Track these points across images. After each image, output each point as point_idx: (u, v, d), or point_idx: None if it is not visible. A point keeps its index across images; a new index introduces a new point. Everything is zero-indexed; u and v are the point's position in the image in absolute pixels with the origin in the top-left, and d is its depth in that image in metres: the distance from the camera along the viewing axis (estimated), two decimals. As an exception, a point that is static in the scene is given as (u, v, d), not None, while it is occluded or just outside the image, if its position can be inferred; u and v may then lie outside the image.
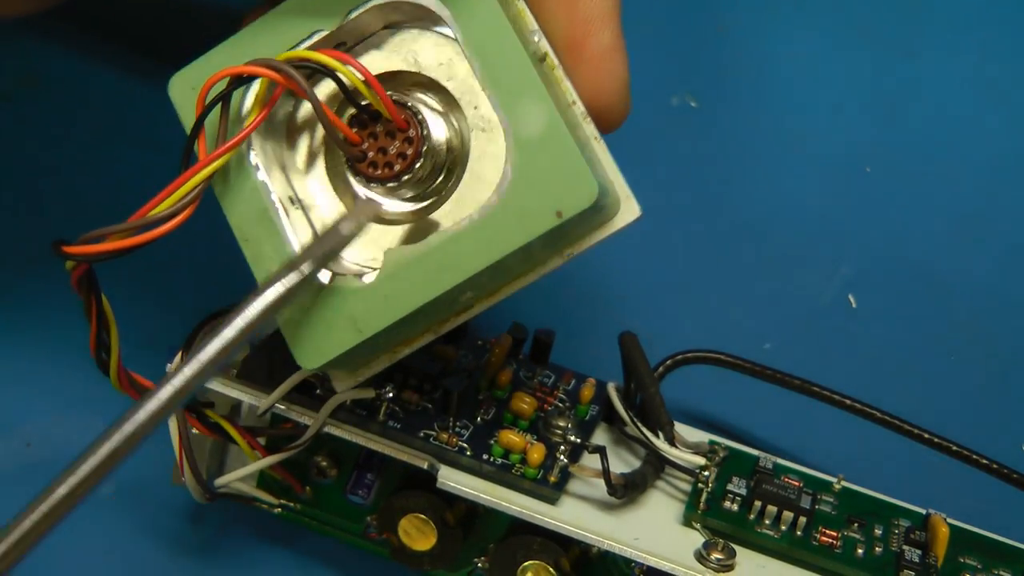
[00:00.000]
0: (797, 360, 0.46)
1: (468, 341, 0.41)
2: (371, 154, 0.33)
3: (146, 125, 0.47)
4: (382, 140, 0.32)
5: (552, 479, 0.37)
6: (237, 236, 0.33)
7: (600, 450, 0.36)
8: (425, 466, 0.37)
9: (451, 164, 0.33)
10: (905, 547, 0.37)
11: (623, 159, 0.49)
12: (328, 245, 0.32)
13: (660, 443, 0.38)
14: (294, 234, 0.33)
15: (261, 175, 0.33)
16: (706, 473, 0.38)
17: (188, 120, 0.33)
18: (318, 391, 0.37)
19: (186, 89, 0.33)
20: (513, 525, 0.37)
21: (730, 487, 0.37)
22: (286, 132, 0.34)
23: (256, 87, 0.32)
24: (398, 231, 0.34)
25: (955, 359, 0.48)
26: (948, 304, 0.48)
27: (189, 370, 0.30)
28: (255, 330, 0.31)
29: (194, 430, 0.38)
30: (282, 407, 0.37)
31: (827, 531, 0.37)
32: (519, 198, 0.31)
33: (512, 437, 0.37)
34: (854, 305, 0.48)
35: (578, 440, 0.37)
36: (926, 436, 0.42)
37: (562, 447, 0.37)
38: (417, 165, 0.32)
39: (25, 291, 0.47)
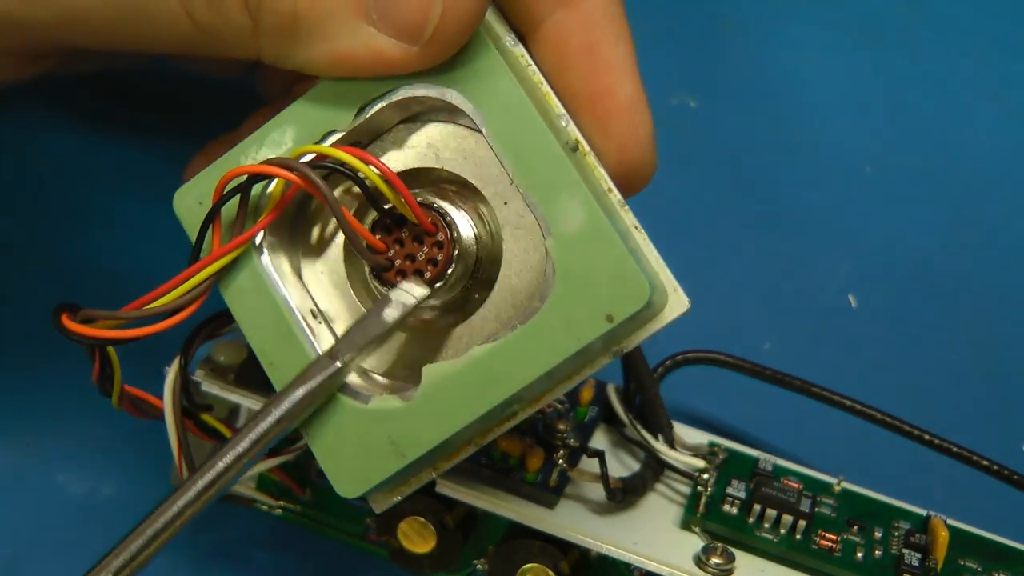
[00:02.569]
0: (797, 360, 0.46)
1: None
2: (398, 261, 0.30)
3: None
4: (409, 246, 0.30)
5: (551, 483, 0.36)
6: (261, 360, 0.31)
7: (599, 454, 0.36)
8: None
9: (482, 265, 0.31)
10: (905, 550, 0.37)
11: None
12: (370, 333, 0.30)
13: (659, 446, 0.38)
14: (320, 350, 0.30)
15: (279, 288, 0.31)
16: (705, 476, 0.38)
17: (194, 234, 0.31)
18: None
19: (192, 203, 0.31)
20: (512, 528, 0.37)
21: (729, 490, 0.37)
22: (301, 238, 0.32)
23: (271, 189, 0.30)
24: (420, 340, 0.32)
25: (955, 359, 0.48)
26: (948, 304, 0.48)
27: (222, 463, 0.29)
28: (288, 424, 0.30)
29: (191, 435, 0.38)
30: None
31: (827, 534, 0.37)
32: (565, 303, 0.28)
33: (511, 442, 0.37)
34: (854, 305, 0.48)
35: (577, 444, 0.37)
36: (926, 437, 0.42)
37: (561, 451, 0.37)
38: (449, 271, 0.30)
39: (24, 292, 0.47)
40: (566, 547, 0.37)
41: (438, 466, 0.31)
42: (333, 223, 0.32)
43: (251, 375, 0.38)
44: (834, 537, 0.37)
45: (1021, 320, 0.48)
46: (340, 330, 0.31)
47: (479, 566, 0.39)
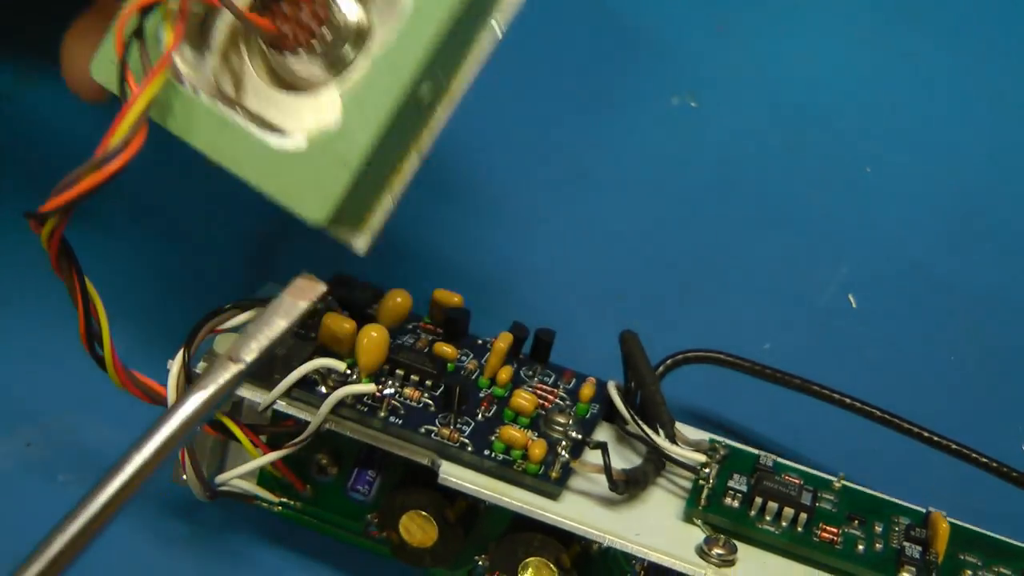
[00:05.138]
0: (797, 360, 0.46)
1: (468, 340, 0.41)
2: (287, 30, 0.33)
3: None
4: (291, 12, 0.33)
5: (553, 475, 0.36)
6: (231, 168, 0.33)
7: (602, 446, 0.36)
8: (427, 462, 0.37)
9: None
10: (906, 543, 0.37)
11: (623, 157, 0.49)
12: (269, 336, 0.33)
13: (661, 440, 0.38)
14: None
15: (204, 98, 0.33)
16: (707, 470, 0.38)
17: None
18: (320, 387, 0.37)
19: (107, 67, 0.33)
20: (514, 521, 0.37)
21: (731, 484, 0.37)
22: (206, 53, 0.35)
23: (162, 14, 0.33)
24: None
25: (955, 359, 0.48)
26: (948, 304, 0.48)
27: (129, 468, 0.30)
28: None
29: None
30: (283, 404, 0.37)
31: (827, 527, 0.37)
32: None
33: (513, 433, 0.37)
34: (854, 305, 0.48)
35: (579, 436, 0.37)
36: (925, 434, 0.42)
37: (563, 443, 0.37)
38: (334, 10, 0.33)
39: (24, 291, 0.47)
40: (568, 540, 0.37)
41: (392, 184, 0.34)
42: (222, 25, 0.35)
43: (256, 368, 0.38)
44: (835, 530, 0.37)
45: (1021, 320, 0.48)
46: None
47: (480, 561, 0.39)
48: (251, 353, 0.33)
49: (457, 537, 0.38)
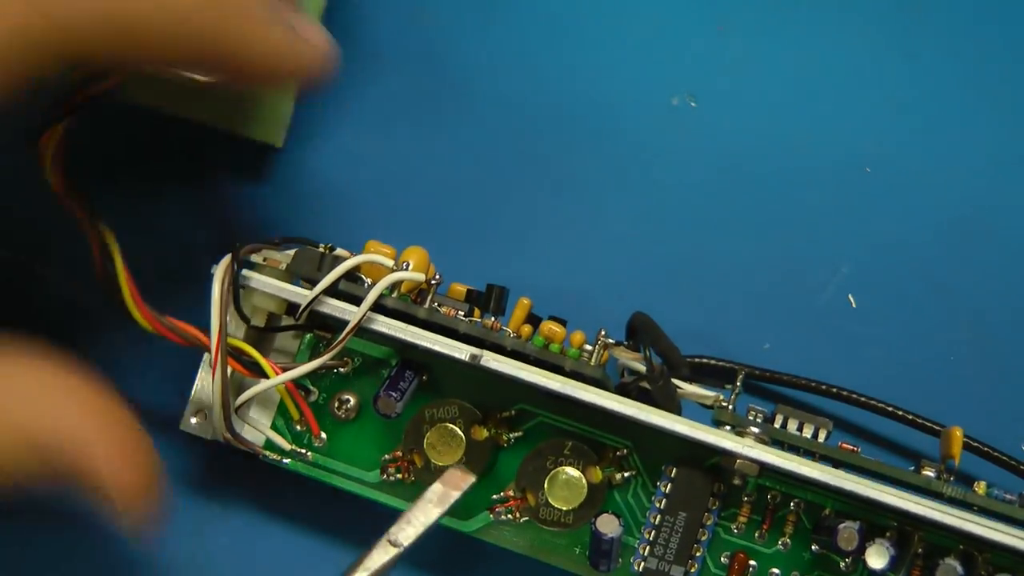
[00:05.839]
0: (797, 360, 0.46)
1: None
2: None
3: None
4: None
5: (593, 362, 0.38)
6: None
7: (639, 337, 0.38)
8: (466, 357, 0.37)
9: None
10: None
11: (623, 157, 0.49)
12: (424, 523, 0.38)
13: (678, 381, 0.41)
14: None
15: None
16: (725, 403, 0.40)
17: None
18: (366, 283, 0.39)
19: None
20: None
21: (751, 406, 0.40)
22: None
23: None
24: None
25: (955, 359, 0.48)
26: (948, 304, 0.48)
27: None
28: None
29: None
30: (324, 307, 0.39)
31: (848, 444, 0.40)
32: None
33: (553, 328, 0.38)
34: (854, 305, 0.48)
35: (613, 340, 0.39)
36: (918, 420, 0.44)
37: (601, 339, 0.39)
38: None
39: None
40: (600, 450, 0.39)
41: None
42: None
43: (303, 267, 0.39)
44: (856, 446, 0.40)
45: (1021, 320, 0.48)
46: None
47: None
48: (408, 538, 0.37)
49: (484, 454, 0.39)
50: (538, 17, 0.51)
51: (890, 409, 0.44)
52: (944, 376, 0.48)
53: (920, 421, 0.44)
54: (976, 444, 0.44)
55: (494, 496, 0.40)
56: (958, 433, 0.40)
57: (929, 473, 0.39)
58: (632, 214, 0.49)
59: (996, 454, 0.44)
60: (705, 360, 0.45)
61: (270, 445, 0.41)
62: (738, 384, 0.40)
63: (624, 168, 0.49)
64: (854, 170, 0.49)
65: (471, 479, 0.39)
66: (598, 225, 0.49)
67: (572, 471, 0.39)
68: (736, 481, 0.39)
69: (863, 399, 0.44)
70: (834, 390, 0.45)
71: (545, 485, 0.39)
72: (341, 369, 0.41)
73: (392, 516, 0.38)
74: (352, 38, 0.49)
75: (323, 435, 0.41)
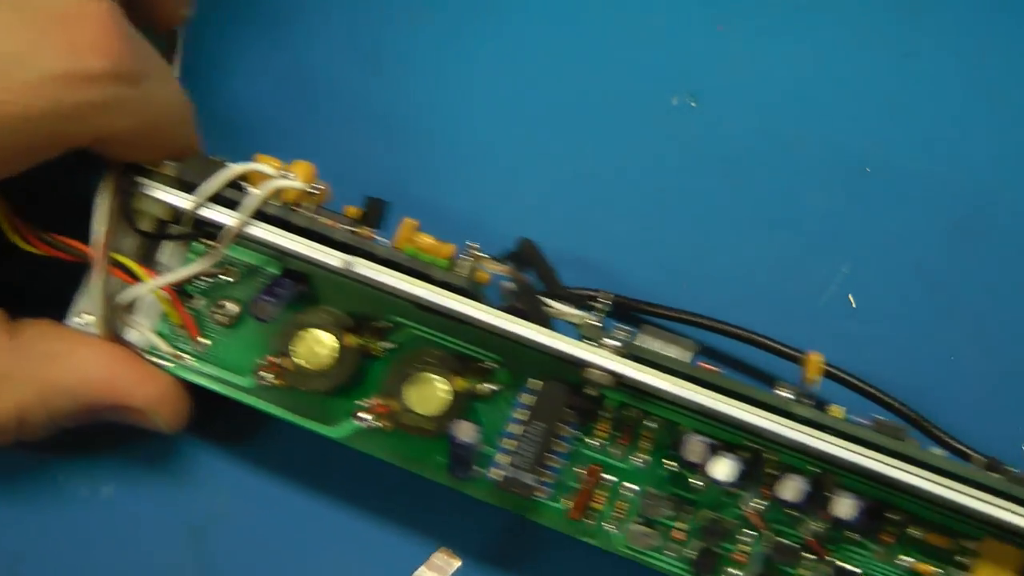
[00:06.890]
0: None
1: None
2: None
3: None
4: None
5: (464, 273, 0.39)
6: None
7: (518, 258, 0.39)
8: (340, 264, 0.38)
9: None
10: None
11: (623, 157, 0.49)
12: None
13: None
14: None
15: None
16: (593, 318, 0.40)
17: None
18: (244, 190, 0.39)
19: None
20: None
21: (618, 326, 0.40)
22: None
23: None
24: None
25: (955, 359, 0.48)
26: (948, 304, 0.48)
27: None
28: None
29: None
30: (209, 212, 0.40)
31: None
32: None
33: (425, 238, 0.39)
34: (854, 305, 0.48)
35: (484, 254, 0.40)
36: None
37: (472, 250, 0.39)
38: None
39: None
40: (469, 362, 0.39)
41: None
42: None
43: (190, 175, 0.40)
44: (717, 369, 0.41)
45: (1021, 321, 0.48)
46: None
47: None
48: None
49: (352, 362, 0.40)
50: (539, 17, 0.51)
51: (755, 336, 0.45)
52: (944, 376, 0.48)
53: (781, 348, 0.44)
54: (838, 373, 0.44)
55: (357, 402, 0.40)
56: (815, 358, 0.40)
57: (787, 395, 0.39)
58: (631, 214, 0.49)
59: (856, 382, 0.44)
60: (583, 291, 0.45)
61: (153, 350, 0.41)
62: (606, 303, 0.41)
63: (624, 168, 0.49)
64: (854, 170, 0.49)
65: (455, 563, 0.41)
66: (597, 225, 0.49)
67: (433, 376, 0.39)
68: (592, 392, 0.40)
69: (727, 327, 0.45)
70: (703, 320, 0.45)
71: (405, 390, 0.39)
72: (226, 277, 0.41)
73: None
74: None
75: (207, 341, 0.41)
